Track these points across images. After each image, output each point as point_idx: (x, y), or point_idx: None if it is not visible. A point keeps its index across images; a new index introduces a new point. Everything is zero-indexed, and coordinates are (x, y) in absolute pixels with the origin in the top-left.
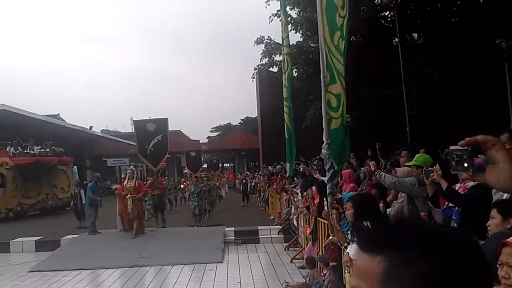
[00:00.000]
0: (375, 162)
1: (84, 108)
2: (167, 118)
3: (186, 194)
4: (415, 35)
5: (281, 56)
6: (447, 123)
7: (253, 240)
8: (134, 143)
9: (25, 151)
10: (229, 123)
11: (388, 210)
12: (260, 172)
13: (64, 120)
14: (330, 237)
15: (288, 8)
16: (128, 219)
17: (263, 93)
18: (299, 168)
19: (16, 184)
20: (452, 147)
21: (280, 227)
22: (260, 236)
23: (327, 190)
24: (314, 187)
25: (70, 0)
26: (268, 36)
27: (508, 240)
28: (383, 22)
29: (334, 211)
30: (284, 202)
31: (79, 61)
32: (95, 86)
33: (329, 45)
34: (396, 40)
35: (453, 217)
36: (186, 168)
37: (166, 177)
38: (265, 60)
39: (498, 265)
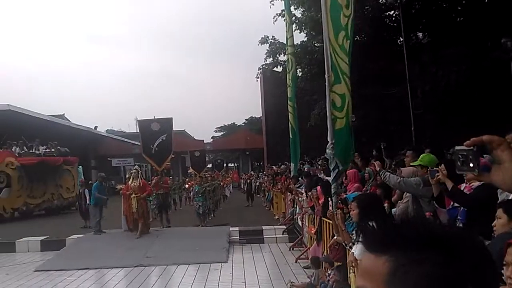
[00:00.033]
0: (380, 162)
1: (89, 108)
2: (171, 118)
3: (191, 194)
4: (420, 34)
5: (286, 55)
6: (452, 122)
7: (257, 240)
8: (139, 143)
9: (31, 151)
10: (234, 123)
11: (393, 210)
12: (264, 172)
13: (69, 120)
14: (335, 237)
15: (292, 8)
16: (132, 219)
17: (267, 93)
18: (304, 168)
19: (21, 184)
20: (457, 147)
21: (284, 227)
22: (264, 236)
23: (332, 190)
24: (318, 187)
25: (74, 0)
26: (273, 36)
27: None
28: (387, 21)
29: (339, 211)
30: (289, 202)
31: (84, 61)
32: (100, 86)
33: (333, 44)
34: (401, 39)
35: (458, 217)
36: (190, 168)
37: (171, 177)
38: (269, 60)
39: (503, 265)
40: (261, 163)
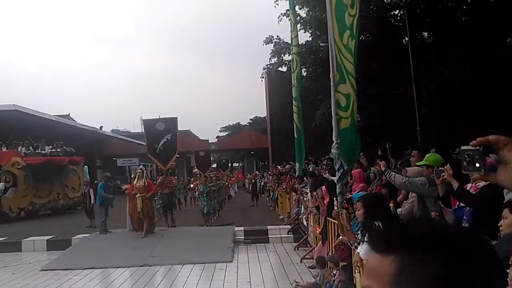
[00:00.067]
0: (385, 162)
1: (95, 108)
2: (176, 117)
3: (196, 193)
4: (425, 34)
5: (290, 55)
6: (458, 122)
7: (262, 240)
8: (144, 143)
9: (37, 151)
10: (238, 122)
11: (399, 210)
12: (269, 172)
13: (74, 120)
14: (340, 237)
15: (297, 8)
16: (137, 219)
17: (272, 93)
18: (309, 168)
19: (27, 183)
20: (463, 147)
21: (289, 226)
22: (269, 236)
23: (337, 189)
24: (323, 187)
25: (80, 0)
26: (277, 36)
27: None
28: (392, 21)
29: (344, 211)
30: (294, 202)
31: (89, 61)
32: (105, 86)
33: (338, 44)
34: (406, 39)
35: (464, 217)
36: (195, 167)
37: (176, 177)
38: (274, 60)
39: (509, 266)
40: (266, 163)
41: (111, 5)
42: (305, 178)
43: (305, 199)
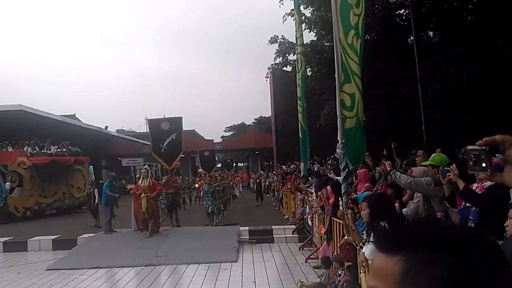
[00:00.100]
0: (391, 162)
1: (100, 108)
2: (181, 117)
3: (201, 193)
4: (431, 33)
5: (295, 55)
6: (463, 122)
7: (267, 240)
8: (149, 143)
9: (42, 151)
10: (243, 122)
11: (404, 210)
12: (274, 172)
13: (80, 120)
14: (345, 237)
15: (302, 7)
16: (142, 219)
17: (276, 93)
18: (314, 168)
19: (33, 183)
20: (469, 147)
21: (294, 226)
22: (274, 236)
23: (342, 189)
24: (328, 187)
25: (86, 1)
26: (282, 36)
27: None
28: (398, 20)
29: (349, 211)
30: (299, 202)
31: (95, 61)
32: (111, 86)
33: (343, 44)
34: (411, 38)
35: (470, 217)
36: (200, 167)
37: (180, 177)
38: (279, 60)
39: None
40: (270, 163)
41: (116, 6)
42: (310, 178)
43: (310, 199)
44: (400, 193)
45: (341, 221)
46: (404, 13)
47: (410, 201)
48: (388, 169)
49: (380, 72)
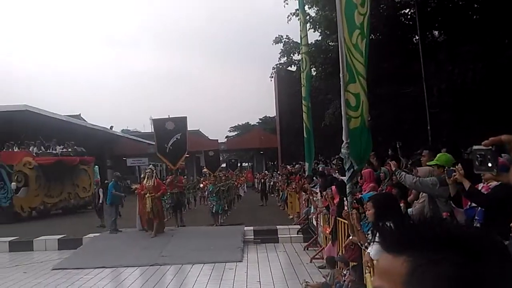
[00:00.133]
0: (396, 162)
1: (105, 108)
2: (185, 117)
3: (205, 193)
4: (436, 32)
5: (300, 55)
6: (469, 121)
7: (272, 240)
8: (154, 143)
9: (48, 151)
10: (248, 122)
11: (409, 210)
12: (278, 172)
13: (85, 120)
14: (350, 237)
15: (306, 7)
16: (147, 219)
17: (281, 92)
18: (319, 168)
19: (39, 183)
20: (475, 147)
21: (299, 226)
22: (279, 236)
23: (347, 189)
24: (333, 187)
25: (90, 3)
26: (287, 35)
27: None
28: (403, 19)
29: (354, 211)
30: (303, 202)
31: (99, 62)
32: (116, 87)
33: (348, 44)
34: (417, 38)
35: (476, 217)
36: (205, 167)
37: (185, 177)
38: (283, 59)
39: None
40: (275, 163)
41: (121, 6)
42: (314, 178)
43: (314, 199)
44: (405, 193)
45: (346, 221)
46: (409, 13)
47: (415, 201)
48: (393, 169)
49: (385, 71)
